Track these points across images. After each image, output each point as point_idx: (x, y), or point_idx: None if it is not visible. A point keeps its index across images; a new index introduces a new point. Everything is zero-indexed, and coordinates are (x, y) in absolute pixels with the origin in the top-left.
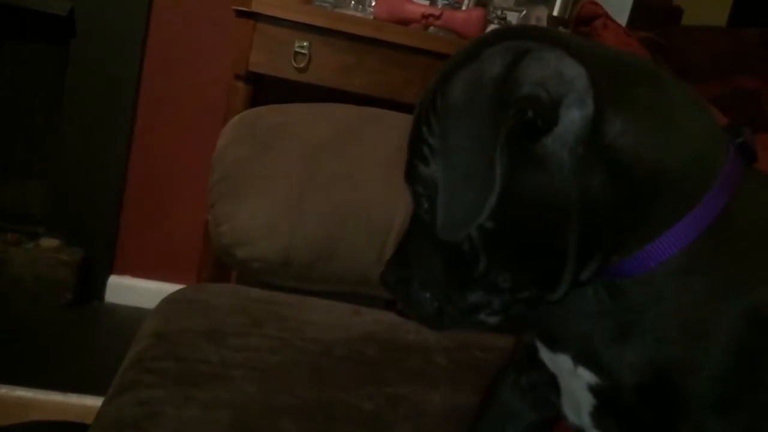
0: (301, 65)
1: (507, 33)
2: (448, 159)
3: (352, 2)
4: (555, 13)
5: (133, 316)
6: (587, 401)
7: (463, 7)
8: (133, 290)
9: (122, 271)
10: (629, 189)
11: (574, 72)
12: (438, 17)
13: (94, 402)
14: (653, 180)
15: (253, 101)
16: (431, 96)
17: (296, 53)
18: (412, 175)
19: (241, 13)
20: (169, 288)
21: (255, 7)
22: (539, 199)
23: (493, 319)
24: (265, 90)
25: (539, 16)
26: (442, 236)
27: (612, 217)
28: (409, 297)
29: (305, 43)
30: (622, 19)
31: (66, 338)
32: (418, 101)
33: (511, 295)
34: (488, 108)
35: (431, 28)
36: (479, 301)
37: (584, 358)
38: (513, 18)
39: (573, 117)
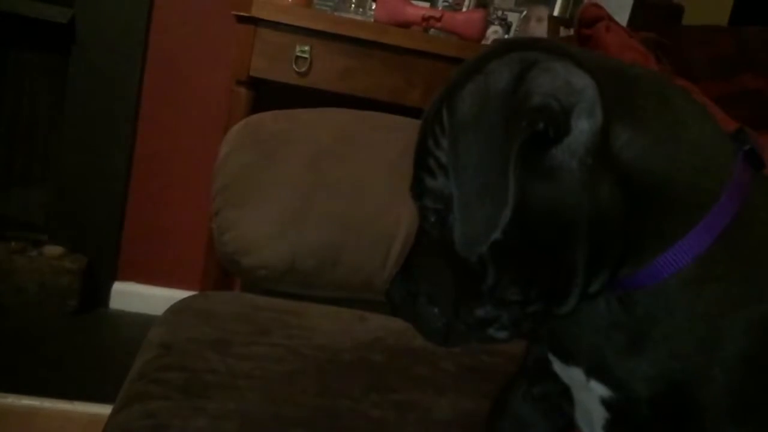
0: (303, 69)
1: (511, 45)
2: (461, 174)
3: (353, 5)
4: (555, 13)
5: (138, 323)
6: (600, 414)
7: (464, 9)
8: (137, 297)
9: (126, 278)
10: (637, 200)
11: (583, 82)
12: (438, 19)
13: (100, 410)
14: (661, 190)
15: (255, 106)
16: (436, 109)
17: (297, 57)
18: (418, 189)
19: (241, 19)
20: (174, 294)
21: (255, 12)
22: (549, 210)
23: (502, 334)
24: (267, 95)
25: (540, 16)
26: (461, 253)
27: (621, 228)
28: (415, 313)
29: (306, 48)
30: (623, 17)
31: (71, 346)
32: (423, 114)
33: (520, 309)
34: (498, 121)
35: (432, 30)
36: (488, 315)
37: (597, 371)
38: (513, 18)
39: (582, 127)
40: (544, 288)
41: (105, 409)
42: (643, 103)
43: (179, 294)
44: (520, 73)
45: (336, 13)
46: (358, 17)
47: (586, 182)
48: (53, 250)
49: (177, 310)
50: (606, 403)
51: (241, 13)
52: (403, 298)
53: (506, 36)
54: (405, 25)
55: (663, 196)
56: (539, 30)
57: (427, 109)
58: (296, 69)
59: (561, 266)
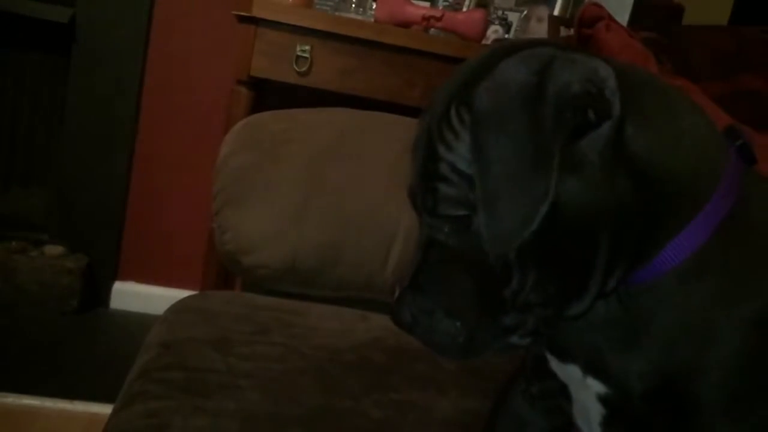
0: (303, 69)
1: (516, 45)
2: (488, 171)
3: (353, 5)
4: (555, 12)
5: (139, 322)
6: (597, 411)
7: (464, 8)
8: (137, 296)
9: (126, 278)
10: (646, 194)
11: (606, 71)
12: (439, 19)
13: (101, 409)
14: (664, 184)
15: (255, 106)
16: (442, 114)
17: (298, 57)
18: (431, 201)
19: (242, 19)
20: (174, 293)
21: (256, 12)
22: (575, 206)
23: (525, 341)
24: (267, 95)
25: (540, 16)
26: (493, 251)
27: (636, 223)
28: (432, 330)
29: (306, 47)
30: (623, 17)
31: (71, 345)
32: (423, 123)
33: (542, 311)
34: (528, 115)
35: (432, 30)
36: (513, 322)
37: (593, 368)
38: (514, 18)
39: None
40: (564, 287)
41: (105, 409)
42: (643, 99)
43: (179, 294)
44: (540, 68)
45: (336, 13)
46: (359, 17)
47: (605, 175)
48: (53, 249)
49: (177, 310)
50: (602, 399)
51: (242, 13)
52: (415, 317)
53: (506, 36)
54: (405, 24)
55: (665, 191)
56: (539, 30)
57: (426, 119)
58: (296, 69)
59: (582, 264)
